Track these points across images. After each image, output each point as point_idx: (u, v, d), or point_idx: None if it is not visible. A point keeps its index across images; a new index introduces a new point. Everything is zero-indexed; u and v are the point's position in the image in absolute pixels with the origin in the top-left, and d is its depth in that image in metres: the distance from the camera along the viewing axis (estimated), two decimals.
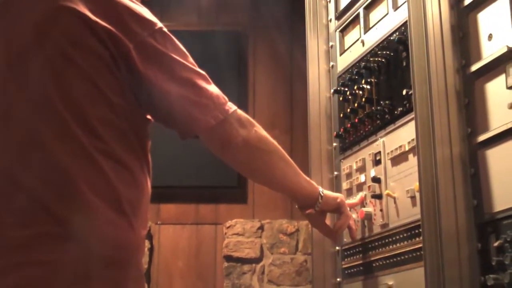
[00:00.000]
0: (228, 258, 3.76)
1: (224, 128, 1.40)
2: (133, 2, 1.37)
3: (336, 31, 2.11)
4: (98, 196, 1.24)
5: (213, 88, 1.41)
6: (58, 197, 1.23)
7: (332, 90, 2.07)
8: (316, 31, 2.14)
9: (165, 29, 1.39)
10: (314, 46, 2.14)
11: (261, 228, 3.80)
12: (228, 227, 3.82)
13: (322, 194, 1.63)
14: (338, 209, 1.68)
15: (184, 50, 1.42)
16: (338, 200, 1.68)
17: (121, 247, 1.26)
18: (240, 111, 1.45)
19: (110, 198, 1.26)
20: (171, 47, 1.38)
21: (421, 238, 1.49)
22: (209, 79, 1.42)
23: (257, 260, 3.76)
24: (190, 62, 1.41)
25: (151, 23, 1.36)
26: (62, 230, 1.22)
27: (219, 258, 3.81)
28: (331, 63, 2.11)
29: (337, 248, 1.94)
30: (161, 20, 1.42)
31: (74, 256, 1.21)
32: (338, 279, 1.92)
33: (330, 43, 2.13)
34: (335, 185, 2.00)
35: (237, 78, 4.00)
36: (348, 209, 1.72)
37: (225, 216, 3.88)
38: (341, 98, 2.00)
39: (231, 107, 1.42)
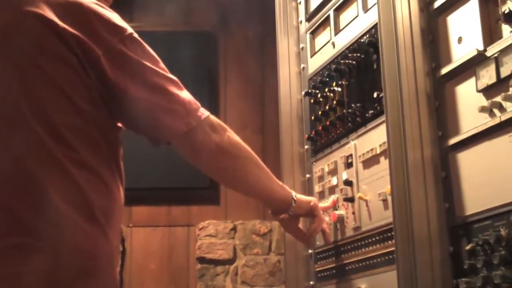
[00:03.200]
0: (201, 260, 3.74)
1: (196, 134, 1.39)
2: (102, 7, 1.35)
3: (306, 32, 2.10)
4: (70, 205, 1.22)
5: (185, 94, 1.39)
6: (29, 207, 1.21)
7: (303, 92, 2.06)
8: (287, 33, 2.13)
9: (135, 35, 1.37)
10: (285, 47, 2.13)
11: (234, 229, 3.78)
12: (201, 228, 3.80)
13: (295, 199, 1.62)
14: (311, 212, 1.68)
15: (155, 55, 1.40)
16: (311, 203, 1.67)
17: (94, 257, 1.24)
18: (212, 117, 1.43)
19: (82, 207, 1.24)
20: (141, 53, 1.36)
21: (393, 241, 1.49)
22: (180, 84, 1.41)
23: (230, 261, 3.74)
24: (161, 68, 1.39)
25: (121, 29, 1.34)
26: (33, 241, 1.19)
27: (192, 260, 3.79)
28: (302, 65, 2.10)
29: (310, 251, 1.93)
30: (129, 21, 1.40)
31: (45, 268, 1.18)
32: (311, 282, 1.92)
33: (301, 45, 2.12)
34: (307, 188, 1.99)
35: (207, 79, 3.97)
36: (322, 212, 1.72)
37: (198, 217, 3.85)
38: (312, 101, 1.99)
39: (204, 113, 1.41)
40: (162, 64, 1.40)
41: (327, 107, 1.90)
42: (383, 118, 1.61)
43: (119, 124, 1.40)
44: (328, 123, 1.88)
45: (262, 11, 4.00)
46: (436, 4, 1.53)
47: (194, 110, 1.39)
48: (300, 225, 1.74)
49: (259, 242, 3.76)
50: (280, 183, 1.62)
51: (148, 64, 1.36)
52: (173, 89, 1.38)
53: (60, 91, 1.26)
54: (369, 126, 1.72)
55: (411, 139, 1.47)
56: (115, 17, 1.36)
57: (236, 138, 1.48)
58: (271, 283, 3.70)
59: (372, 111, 1.70)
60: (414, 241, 1.41)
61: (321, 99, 1.95)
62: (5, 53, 1.28)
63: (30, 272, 1.18)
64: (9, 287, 1.17)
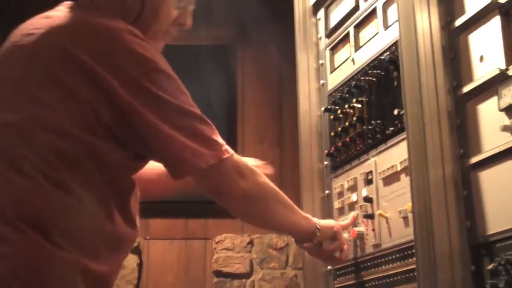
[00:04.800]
0: (218, 274, 3.74)
1: (220, 176, 1.37)
2: (135, 35, 1.33)
3: (326, 49, 2.11)
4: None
5: (209, 131, 1.36)
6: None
7: (322, 109, 2.06)
8: (306, 49, 2.14)
9: (163, 67, 1.34)
10: (304, 63, 2.13)
11: (251, 243, 3.78)
12: (218, 242, 3.80)
13: (319, 227, 1.62)
14: (334, 237, 1.67)
15: (182, 89, 1.36)
16: (335, 229, 1.67)
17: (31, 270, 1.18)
18: (237, 157, 1.41)
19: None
20: (166, 87, 1.33)
21: (414, 259, 1.48)
22: (206, 120, 1.38)
23: (247, 275, 3.74)
24: (187, 103, 1.35)
25: (147, 61, 1.31)
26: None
27: (208, 273, 3.79)
28: (322, 81, 2.10)
29: (329, 267, 1.93)
30: None
31: None
32: None
33: (320, 61, 2.13)
34: (326, 204, 1.99)
35: (225, 93, 3.99)
36: (343, 234, 1.72)
37: (215, 230, 3.86)
38: (332, 117, 2.00)
39: (227, 152, 1.38)
40: (188, 98, 1.37)
41: (347, 124, 1.90)
42: (403, 135, 1.62)
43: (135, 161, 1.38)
44: (348, 139, 1.89)
45: (281, 25, 4.01)
46: (458, 22, 1.53)
47: (217, 149, 1.36)
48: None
49: (276, 256, 3.76)
50: (304, 214, 1.61)
51: (172, 99, 1.32)
52: (197, 126, 1.35)
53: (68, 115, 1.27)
54: (390, 143, 1.72)
55: (432, 156, 1.47)
56: (144, 48, 1.32)
57: (262, 179, 1.46)
58: None
59: (392, 128, 1.70)
60: (436, 259, 1.41)
61: (341, 115, 1.95)
62: (27, 68, 1.31)
63: None
64: None
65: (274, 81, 4.10)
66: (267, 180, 1.48)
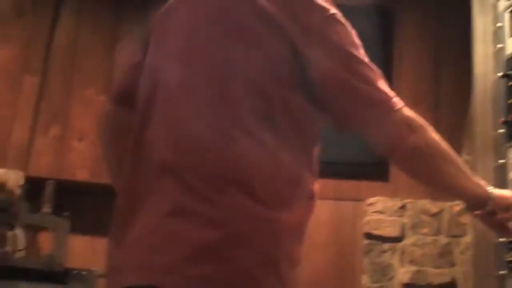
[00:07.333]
0: (369, 236, 3.73)
1: (392, 127, 1.37)
2: None
3: (505, 11, 2.00)
4: None
5: (383, 83, 1.38)
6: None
7: (499, 74, 1.97)
8: (484, 11, 2.05)
9: (338, 16, 1.37)
10: (481, 26, 2.05)
11: (403, 207, 3.73)
12: (369, 204, 3.79)
13: (492, 197, 1.55)
14: (508, 208, 1.60)
15: (356, 40, 1.39)
16: (510, 200, 1.60)
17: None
18: (407, 110, 1.40)
19: None
20: (342, 34, 1.36)
21: None
22: (378, 73, 1.39)
23: (398, 239, 3.71)
24: (362, 54, 1.37)
25: (323, 9, 1.36)
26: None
27: (359, 235, 3.79)
28: (499, 45, 2.01)
29: (502, 239, 1.86)
30: None
31: None
32: (502, 272, 1.85)
33: (498, 24, 2.03)
34: (500, 173, 1.91)
35: (381, 54, 3.92)
36: None
37: (366, 193, 3.84)
38: (510, 83, 1.91)
39: (398, 104, 1.38)
40: (363, 50, 1.39)
41: None
42: None
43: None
44: None
45: None
46: None
47: (391, 98, 1.37)
48: None
49: (429, 222, 3.69)
50: (477, 180, 1.55)
51: (349, 47, 1.35)
52: (373, 75, 1.36)
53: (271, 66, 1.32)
54: None
55: None
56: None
57: (433, 136, 1.43)
58: (440, 265, 3.62)
59: None
60: None
61: None
62: (219, 24, 1.37)
63: None
64: None
65: (432, 43, 3.96)
66: (439, 138, 1.45)
